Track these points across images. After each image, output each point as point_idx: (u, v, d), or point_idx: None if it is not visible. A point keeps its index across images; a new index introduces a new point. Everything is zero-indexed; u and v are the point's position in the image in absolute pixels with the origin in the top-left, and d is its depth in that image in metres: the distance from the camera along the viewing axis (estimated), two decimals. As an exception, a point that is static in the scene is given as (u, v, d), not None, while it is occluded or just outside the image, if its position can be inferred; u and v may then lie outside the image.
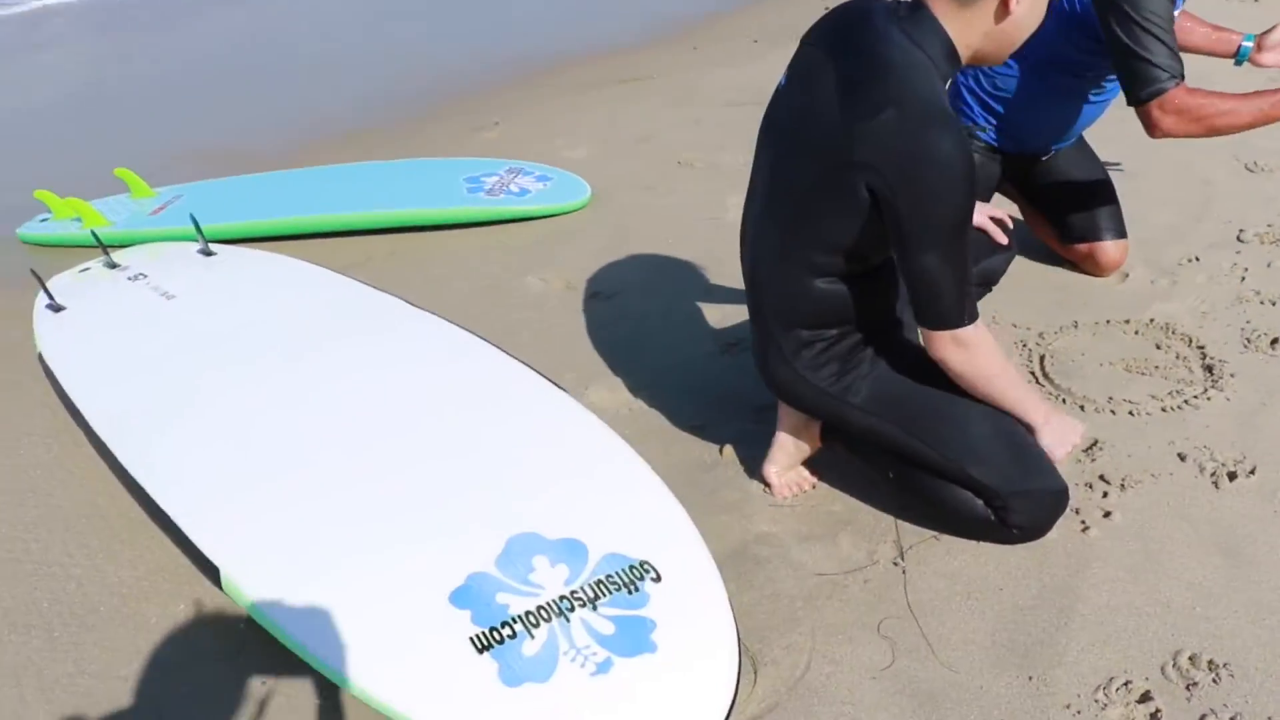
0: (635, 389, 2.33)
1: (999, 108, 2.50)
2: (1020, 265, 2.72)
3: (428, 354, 2.27)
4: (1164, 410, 2.09)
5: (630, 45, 5.60)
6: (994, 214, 2.11)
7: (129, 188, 3.79)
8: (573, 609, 1.58)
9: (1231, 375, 2.18)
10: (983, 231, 2.08)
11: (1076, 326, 2.43)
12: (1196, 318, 2.42)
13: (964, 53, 1.57)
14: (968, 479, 1.68)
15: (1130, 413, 2.09)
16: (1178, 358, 2.27)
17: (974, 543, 1.77)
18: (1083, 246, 2.63)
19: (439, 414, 2.03)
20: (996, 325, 2.45)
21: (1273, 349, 2.26)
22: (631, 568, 1.64)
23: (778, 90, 1.72)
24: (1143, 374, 2.22)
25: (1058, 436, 1.69)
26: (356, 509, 1.80)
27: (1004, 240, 2.09)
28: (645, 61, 5.18)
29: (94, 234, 3.21)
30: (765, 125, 1.76)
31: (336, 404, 2.09)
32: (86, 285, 2.93)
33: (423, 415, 2.03)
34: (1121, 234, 2.61)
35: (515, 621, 1.56)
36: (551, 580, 1.62)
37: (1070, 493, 1.74)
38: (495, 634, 1.54)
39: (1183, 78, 2.10)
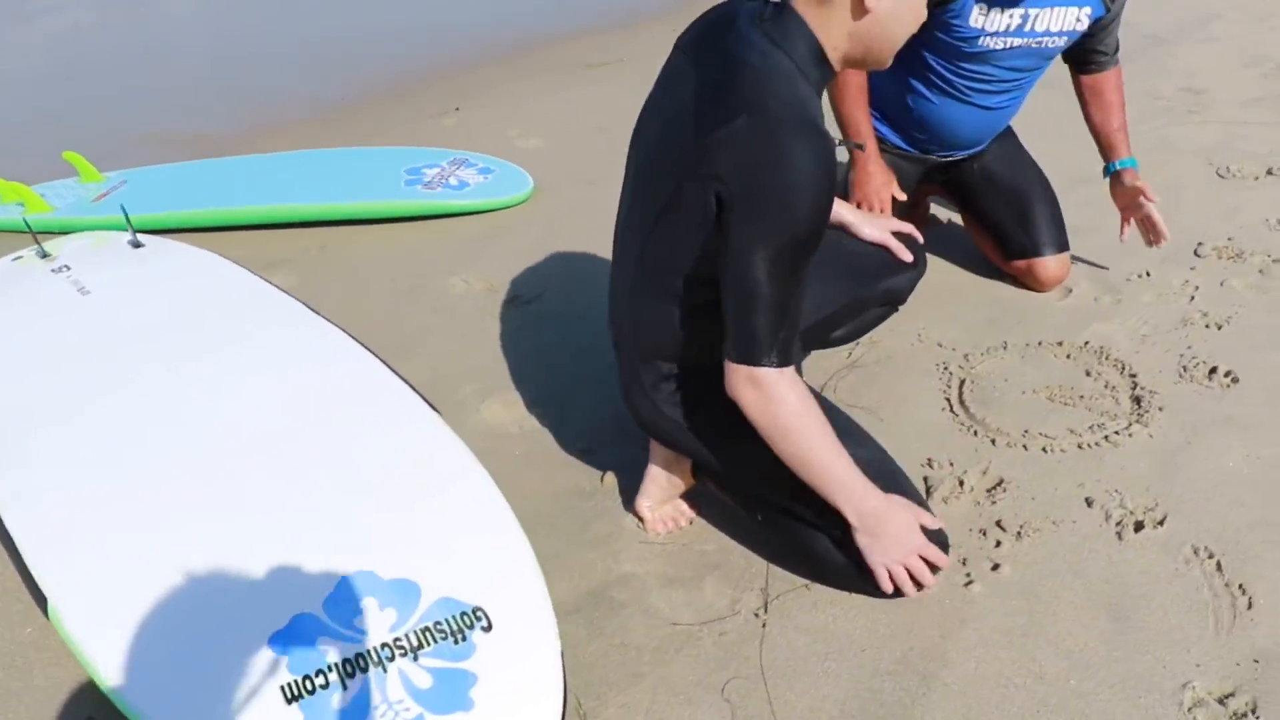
0: (531, 404, 2.22)
1: (889, 110, 2.39)
2: (956, 278, 2.58)
3: (309, 367, 2.16)
4: (1080, 447, 1.94)
5: (606, 26, 5.45)
6: (898, 227, 1.96)
7: (77, 172, 3.71)
8: (393, 658, 1.47)
9: (1160, 409, 2.03)
10: (884, 248, 1.94)
11: (1005, 348, 2.28)
12: (1135, 341, 2.26)
13: (832, 55, 1.42)
14: (828, 527, 1.55)
15: (1044, 449, 1.94)
16: (1106, 386, 2.12)
17: (846, 594, 1.64)
18: (1020, 262, 2.47)
19: (301, 435, 1.92)
20: (921, 343, 2.31)
21: (1209, 379, 2.11)
22: (463, 614, 1.53)
23: (648, 99, 1.59)
24: (1066, 404, 2.07)
25: (879, 545, 1.49)
26: (198, 537, 1.70)
27: (908, 257, 1.94)
28: (619, 44, 5.03)
29: (25, 221, 3.13)
30: (633, 137, 1.63)
31: (201, 420, 1.99)
32: (15, 275, 2.85)
33: (284, 436, 1.92)
34: (1061, 247, 2.45)
35: (330, 670, 1.46)
36: (377, 625, 1.52)
37: (962, 539, 1.61)
38: (308, 683, 1.44)
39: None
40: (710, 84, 1.40)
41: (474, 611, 1.54)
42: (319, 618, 1.53)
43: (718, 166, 1.35)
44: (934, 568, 1.54)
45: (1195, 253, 2.61)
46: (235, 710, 1.42)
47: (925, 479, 1.87)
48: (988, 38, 2.16)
